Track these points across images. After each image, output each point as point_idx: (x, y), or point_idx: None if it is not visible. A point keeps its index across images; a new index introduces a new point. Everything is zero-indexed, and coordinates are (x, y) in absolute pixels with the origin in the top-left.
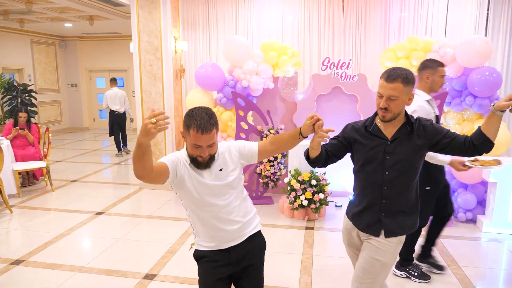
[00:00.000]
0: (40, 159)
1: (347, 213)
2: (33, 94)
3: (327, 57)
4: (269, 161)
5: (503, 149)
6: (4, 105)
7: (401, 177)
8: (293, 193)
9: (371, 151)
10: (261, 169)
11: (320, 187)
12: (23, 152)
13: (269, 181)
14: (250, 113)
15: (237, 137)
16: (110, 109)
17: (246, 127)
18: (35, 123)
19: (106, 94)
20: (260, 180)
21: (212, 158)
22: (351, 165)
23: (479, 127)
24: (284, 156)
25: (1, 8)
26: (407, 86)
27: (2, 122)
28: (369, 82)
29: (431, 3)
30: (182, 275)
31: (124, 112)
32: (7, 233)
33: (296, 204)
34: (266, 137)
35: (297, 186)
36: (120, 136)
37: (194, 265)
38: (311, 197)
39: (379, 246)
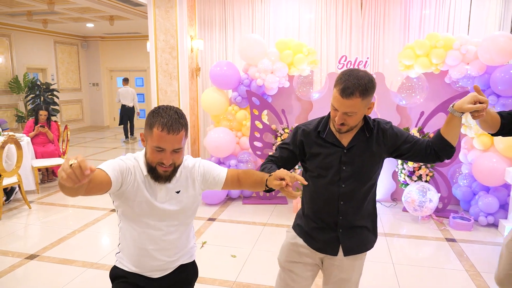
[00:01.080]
0: (59, 156)
1: (294, 227)
2: (55, 93)
3: (344, 56)
4: None
5: None
6: (28, 103)
7: (359, 189)
8: None
9: (325, 160)
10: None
11: None
12: (43, 149)
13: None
14: (265, 112)
15: (252, 136)
16: (122, 104)
17: (260, 126)
18: (55, 121)
19: (119, 91)
20: None
21: (175, 170)
22: None
23: (439, 130)
24: None
25: (25, 9)
26: (366, 98)
27: (25, 120)
28: (387, 81)
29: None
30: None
31: (133, 106)
32: (25, 228)
33: None
34: (280, 137)
35: None
36: (129, 126)
37: (204, 263)
38: None
39: (342, 266)
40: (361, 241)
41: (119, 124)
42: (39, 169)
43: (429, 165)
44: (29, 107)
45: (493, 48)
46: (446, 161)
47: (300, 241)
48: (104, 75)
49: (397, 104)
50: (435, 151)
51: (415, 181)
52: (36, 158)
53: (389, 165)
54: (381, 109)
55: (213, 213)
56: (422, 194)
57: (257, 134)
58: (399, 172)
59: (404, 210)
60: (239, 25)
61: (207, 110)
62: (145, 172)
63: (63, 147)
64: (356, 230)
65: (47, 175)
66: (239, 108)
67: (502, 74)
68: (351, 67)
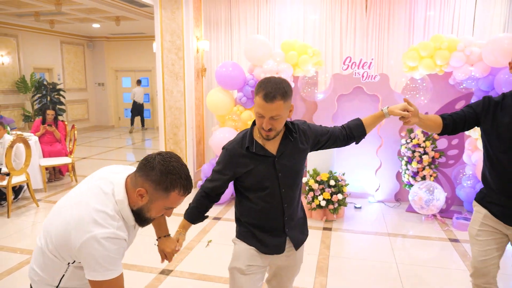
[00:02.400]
0: (66, 156)
1: (243, 236)
2: (61, 92)
3: (348, 57)
4: None
5: None
6: (35, 103)
7: (295, 187)
8: (311, 193)
9: (261, 173)
10: None
11: (338, 188)
12: (50, 148)
13: None
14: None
15: None
16: (134, 100)
17: None
18: (62, 121)
19: (134, 90)
20: None
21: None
22: (370, 166)
23: (360, 120)
24: None
25: (33, 9)
26: (287, 100)
27: (32, 120)
28: (391, 82)
29: (458, 1)
30: (198, 271)
31: (142, 103)
32: (32, 226)
33: (314, 205)
34: None
35: (315, 186)
36: (140, 119)
37: (210, 262)
38: (330, 197)
39: (291, 256)
40: (304, 231)
41: (131, 116)
42: (47, 168)
43: (432, 166)
44: (36, 106)
45: (498, 50)
46: (450, 162)
47: (250, 246)
48: (110, 75)
49: None
50: (352, 136)
51: (419, 181)
52: (44, 157)
53: (393, 166)
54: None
55: (218, 212)
56: (429, 193)
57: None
58: (403, 172)
59: (408, 210)
60: (244, 26)
61: (212, 110)
62: (132, 222)
63: (70, 146)
64: (298, 223)
65: (54, 174)
66: (244, 108)
67: (506, 76)
68: (356, 68)
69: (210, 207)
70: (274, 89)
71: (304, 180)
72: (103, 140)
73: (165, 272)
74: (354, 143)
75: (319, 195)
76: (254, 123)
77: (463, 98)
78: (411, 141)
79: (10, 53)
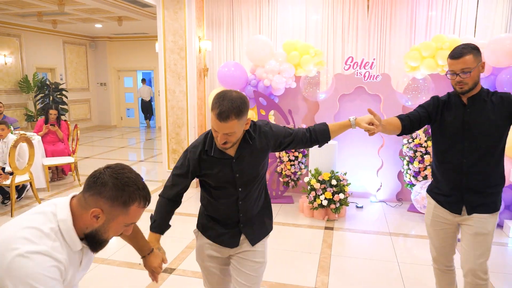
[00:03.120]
0: (69, 155)
1: (202, 227)
2: (64, 92)
3: (350, 57)
4: (289, 160)
5: None
6: (37, 103)
7: (252, 186)
8: (313, 193)
9: (219, 173)
10: (282, 168)
11: (340, 187)
12: (53, 148)
13: (290, 180)
14: (272, 112)
15: None
16: (142, 98)
17: None
18: (65, 120)
19: (139, 89)
20: (281, 179)
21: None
22: (372, 166)
23: (327, 126)
24: (305, 155)
25: (35, 9)
26: (241, 118)
27: (35, 119)
28: (393, 82)
29: (460, 1)
30: (200, 270)
31: (149, 100)
32: None
33: (315, 204)
34: None
35: (317, 185)
36: (148, 115)
37: None
38: (331, 197)
39: (249, 251)
40: (262, 228)
41: (143, 114)
42: (49, 168)
43: None
44: (38, 106)
45: (500, 50)
46: None
47: (208, 240)
48: (112, 75)
49: (403, 105)
50: (317, 140)
51: (421, 181)
52: (46, 156)
53: (394, 166)
54: (386, 110)
55: None
56: None
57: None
58: (405, 172)
59: (410, 210)
60: (246, 26)
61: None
62: (78, 246)
63: (73, 146)
64: (256, 220)
65: (56, 173)
66: None
67: (508, 76)
68: (358, 68)
69: (174, 211)
70: (228, 109)
71: (306, 179)
72: (105, 140)
73: (168, 271)
74: (317, 146)
75: (321, 194)
76: None
77: None
78: (413, 141)
79: (13, 53)
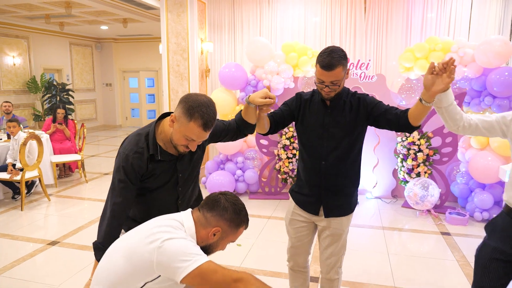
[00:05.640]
0: (76, 153)
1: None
2: (70, 93)
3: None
4: (288, 157)
5: None
6: (45, 103)
7: (191, 183)
8: None
9: (162, 175)
10: (280, 166)
11: None
12: (60, 146)
13: (288, 177)
14: (271, 111)
15: (258, 135)
16: None
17: None
18: (72, 120)
19: None
20: (279, 176)
21: None
22: (368, 164)
23: (240, 114)
24: None
25: (43, 12)
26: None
27: (42, 119)
28: (388, 82)
29: (454, 3)
30: None
31: None
32: (45, 218)
33: None
34: (285, 135)
35: None
36: None
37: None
38: None
39: None
40: None
41: None
42: (57, 165)
43: (427, 163)
44: (46, 106)
45: (490, 52)
46: (444, 159)
47: None
48: (117, 75)
49: (398, 104)
50: (241, 128)
51: (414, 178)
52: (54, 154)
53: (389, 163)
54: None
55: None
56: (424, 189)
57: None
58: (399, 169)
59: (404, 206)
60: (247, 28)
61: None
62: None
63: (80, 144)
64: None
65: (64, 170)
66: None
67: (498, 76)
68: (354, 69)
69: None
70: (211, 118)
71: None
72: (111, 139)
73: None
74: (249, 133)
75: None
76: (156, 125)
77: (456, 97)
78: (407, 139)
79: (21, 54)
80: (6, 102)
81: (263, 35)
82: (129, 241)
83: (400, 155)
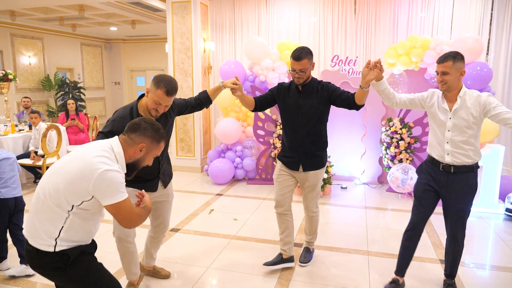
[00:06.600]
0: None
1: (129, 183)
2: (82, 90)
3: (336, 55)
4: None
5: (491, 136)
6: (58, 100)
7: (166, 147)
8: None
9: None
10: (275, 154)
11: None
12: (75, 137)
13: None
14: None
15: (255, 125)
16: None
17: (263, 116)
18: (85, 114)
19: None
20: (274, 163)
21: None
22: (356, 152)
23: (206, 92)
24: None
25: (58, 15)
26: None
27: (56, 115)
28: None
29: (437, 4)
30: (200, 230)
31: None
32: None
33: None
34: (279, 125)
35: None
36: None
37: (210, 224)
38: None
39: (164, 192)
40: (169, 175)
41: None
42: None
43: (408, 151)
44: (59, 103)
45: (463, 48)
46: (424, 147)
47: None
48: (125, 74)
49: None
50: (202, 104)
51: (396, 164)
52: (70, 145)
53: (376, 152)
54: (368, 101)
55: (220, 190)
56: (404, 173)
57: (260, 124)
58: (383, 157)
59: (388, 190)
60: (246, 28)
61: (217, 103)
62: (124, 171)
63: (93, 135)
64: (165, 171)
65: None
66: None
67: (470, 70)
68: (342, 65)
69: None
70: (173, 87)
71: None
72: None
73: (175, 230)
74: (205, 108)
75: None
76: (138, 100)
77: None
78: (390, 128)
79: (36, 54)
80: (26, 97)
81: (261, 35)
82: (73, 164)
83: (384, 144)
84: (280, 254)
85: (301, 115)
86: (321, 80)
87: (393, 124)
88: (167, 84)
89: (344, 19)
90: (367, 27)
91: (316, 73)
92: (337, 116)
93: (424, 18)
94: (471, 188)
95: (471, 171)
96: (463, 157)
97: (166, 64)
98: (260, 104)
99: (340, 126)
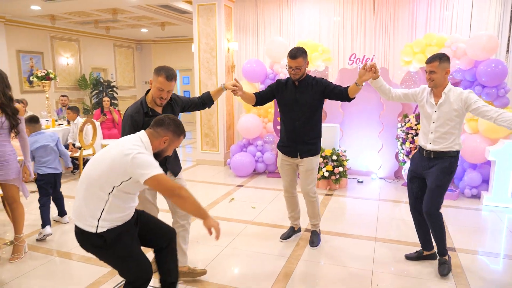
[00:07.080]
0: None
1: None
2: (114, 89)
3: (353, 53)
4: None
5: (506, 132)
6: (92, 98)
7: None
8: None
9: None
10: None
11: (340, 162)
12: (108, 132)
13: None
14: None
15: (275, 121)
16: None
17: None
18: (118, 110)
19: None
20: None
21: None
22: (373, 148)
23: (209, 93)
24: None
25: (93, 18)
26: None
27: (91, 112)
28: (390, 74)
29: (456, 2)
30: (221, 215)
31: None
32: None
33: (319, 175)
34: None
35: (320, 160)
36: None
37: (230, 211)
38: (332, 169)
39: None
40: (178, 165)
41: None
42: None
43: None
44: (94, 101)
45: (478, 46)
46: None
47: None
48: None
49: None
50: (205, 103)
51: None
52: (104, 139)
53: (392, 147)
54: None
55: (241, 182)
56: None
57: (280, 120)
58: (399, 152)
59: (404, 185)
60: (268, 29)
61: (240, 100)
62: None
63: None
64: (174, 161)
65: None
66: None
67: (485, 67)
68: (360, 63)
69: None
70: (172, 73)
71: None
72: None
73: None
74: (207, 107)
75: (323, 167)
76: (145, 95)
77: None
78: (405, 124)
79: (73, 55)
80: (63, 96)
81: (282, 35)
82: (111, 152)
83: (400, 139)
84: (292, 227)
85: (297, 107)
86: (315, 76)
87: (409, 120)
88: (166, 71)
89: (363, 19)
90: (386, 26)
91: (334, 72)
92: (354, 113)
93: (443, 17)
94: (447, 169)
95: (450, 156)
96: (443, 145)
97: (192, 63)
98: (261, 99)
99: (357, 122)
